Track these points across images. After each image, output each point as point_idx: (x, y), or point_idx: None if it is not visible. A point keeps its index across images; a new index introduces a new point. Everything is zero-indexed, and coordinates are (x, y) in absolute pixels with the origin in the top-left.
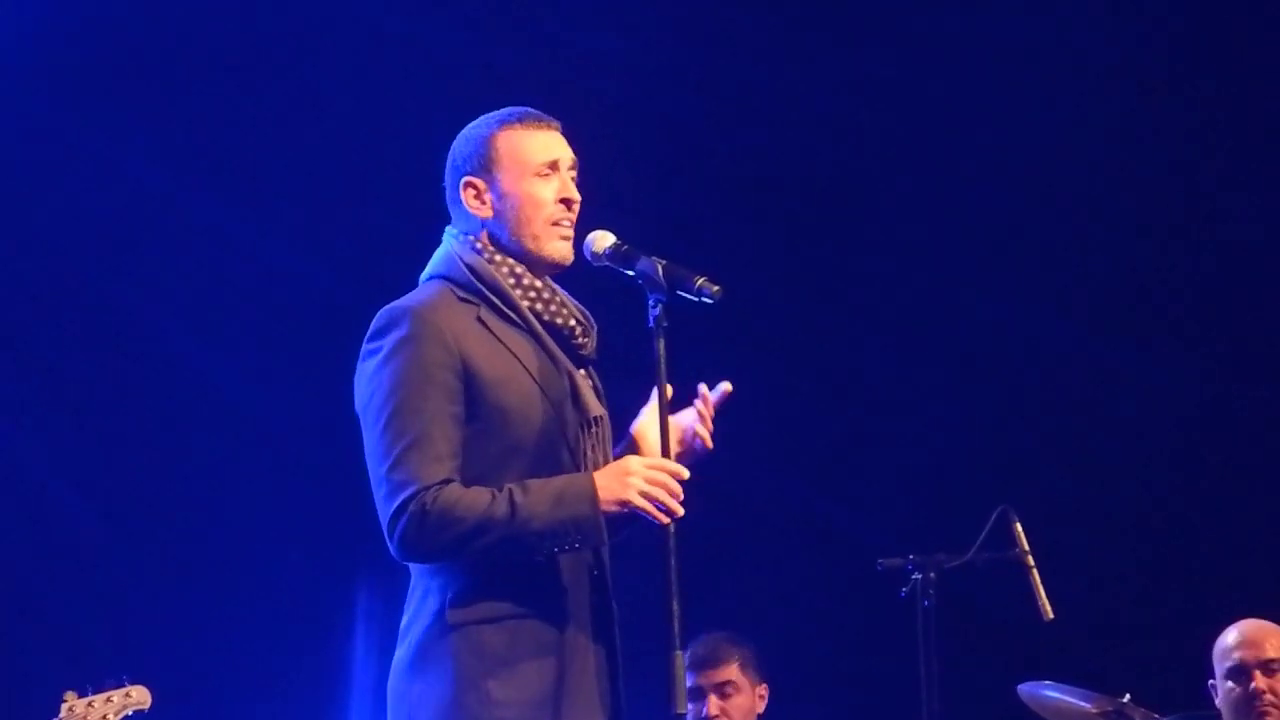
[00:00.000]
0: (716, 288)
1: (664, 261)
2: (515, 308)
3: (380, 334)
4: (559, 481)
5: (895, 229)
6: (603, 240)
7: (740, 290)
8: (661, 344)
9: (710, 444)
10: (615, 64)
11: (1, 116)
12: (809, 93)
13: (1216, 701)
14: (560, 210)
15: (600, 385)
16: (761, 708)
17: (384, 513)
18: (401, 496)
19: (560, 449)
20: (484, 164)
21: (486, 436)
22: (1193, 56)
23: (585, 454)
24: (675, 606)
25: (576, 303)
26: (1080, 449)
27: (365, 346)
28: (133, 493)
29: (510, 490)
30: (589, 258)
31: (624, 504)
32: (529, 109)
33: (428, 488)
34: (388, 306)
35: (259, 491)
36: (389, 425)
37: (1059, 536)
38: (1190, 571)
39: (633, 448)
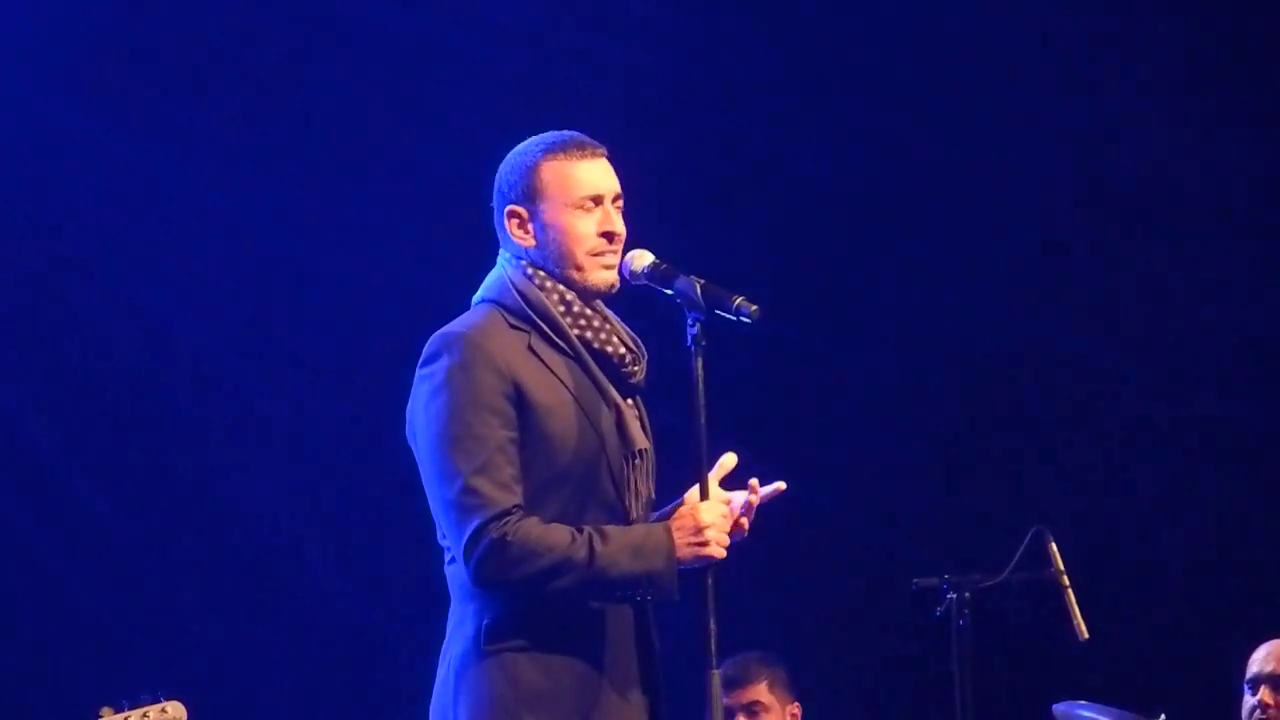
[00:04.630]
0: (754, 307)
1: (702, 281)
2: (565, 336)
3: (432, 359)
4: (638, 532)
5: (937, 250)
6: (641, 259)
7: (778, 310)
8: (699, 363)
9: (747, 531)
10: (657, 80)
11: (15, 110)
12: (848, 112)
13: None
14: (602, 243)
15: (646, 414)
16: None
17: (458, 537)
18: (477, 520)
19: (604, 480)
20: (528, 193)
21: (533, 463)
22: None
23: (630, 486)
24: (712, 625)
25: (628, 330)
26: (1115, 469)
27: (419, 372)
28: (171, 506)
29: (590, 534)
30: (627, 276)
31: (701, 559)
32: (575, 135)
33: (505, 512)
34: (440, 332)
35: (302, 507)
36: (453, 451)
37: (1094, 556)
38: (1225, 590)
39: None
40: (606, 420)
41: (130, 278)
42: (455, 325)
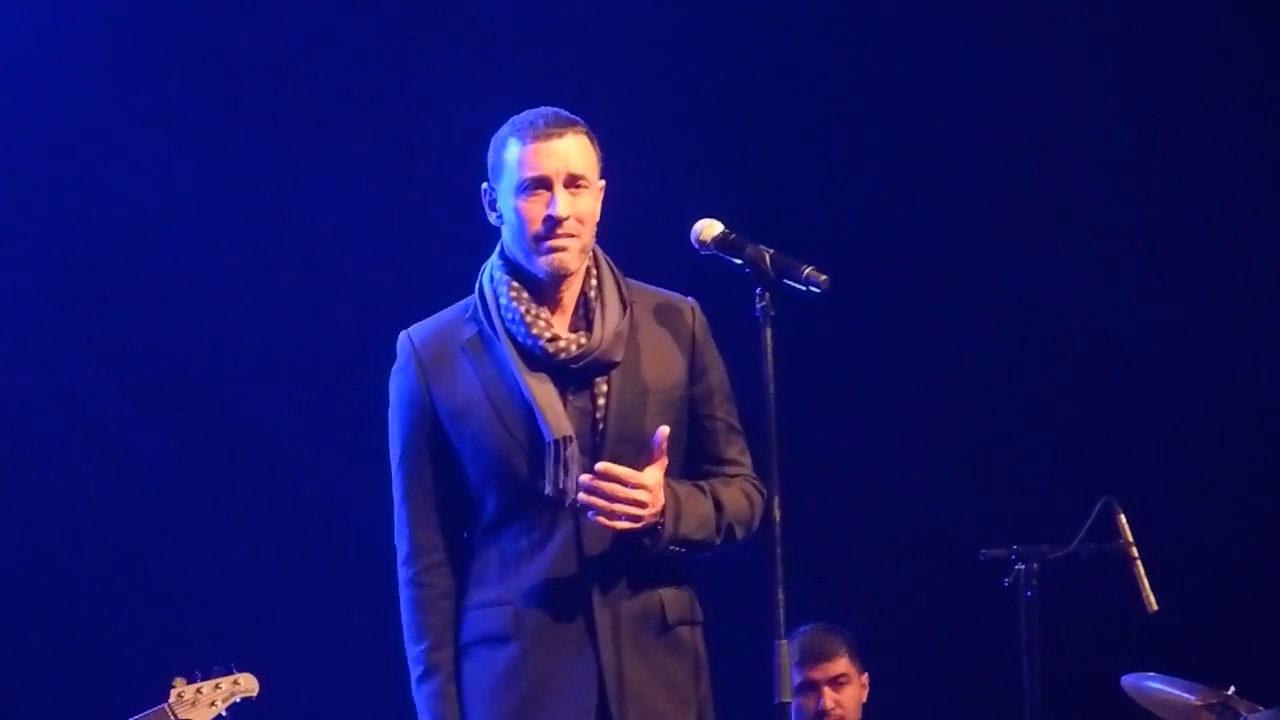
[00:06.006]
0: (824, 277)
1: (771, 250)
2: (494, 328)
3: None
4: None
5: (1006, 217)
6: (709, 229)
7: (844, 280)
8: (768, 333)
9: (615, 526)
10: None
11: (67, 103)
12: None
13: None
14: (544, 230)
15: (616, 390)
16: (864, 696)
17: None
18: (400, 554)
19: (527, 474)
20: (493, 172)
21: (463, 464)
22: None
23: (553, 476)
24: (780, 595)
25: (618, 302)
26: (1185, 439)
27: None
28: (244, 481)
29: (437, 667)
30: (696, 246)
31: None
32: (537, 114)
33: (411, 556)
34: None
35: (370, 481)
36: (394, 474)
37: (1163, 527)
38: None
39: None
40: (516, 414)
41: (194, 254)
42: (421, 322)
